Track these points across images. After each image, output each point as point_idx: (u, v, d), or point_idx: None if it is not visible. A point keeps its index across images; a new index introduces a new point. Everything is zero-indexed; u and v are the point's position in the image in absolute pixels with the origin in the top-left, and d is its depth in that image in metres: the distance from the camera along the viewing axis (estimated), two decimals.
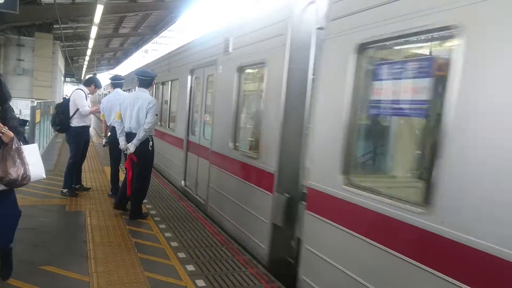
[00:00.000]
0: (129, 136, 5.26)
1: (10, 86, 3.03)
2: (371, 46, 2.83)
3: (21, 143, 2.98)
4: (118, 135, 5.44)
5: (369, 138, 3.23)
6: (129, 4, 16.14)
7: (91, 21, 15.14)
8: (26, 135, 3.27)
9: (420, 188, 2.44)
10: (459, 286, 2.08)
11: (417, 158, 2.83)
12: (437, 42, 2.52)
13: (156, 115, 5.22)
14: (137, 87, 5.54)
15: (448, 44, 2.33)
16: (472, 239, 2.02)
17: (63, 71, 24.48)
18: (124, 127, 5.32)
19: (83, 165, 6.80)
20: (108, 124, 6.65)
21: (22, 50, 16.39)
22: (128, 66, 35.50)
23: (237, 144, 5.02)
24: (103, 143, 7.10)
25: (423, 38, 2.48)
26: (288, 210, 3.88)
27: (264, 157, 4.28)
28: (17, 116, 3.22)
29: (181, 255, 4.26)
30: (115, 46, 30.61)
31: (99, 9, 12.58)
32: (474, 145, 2.06)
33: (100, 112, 6.82)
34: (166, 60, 9.51)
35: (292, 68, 3.90)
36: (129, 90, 12.09)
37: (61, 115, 6.31)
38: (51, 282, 3.46)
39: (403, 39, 2.58)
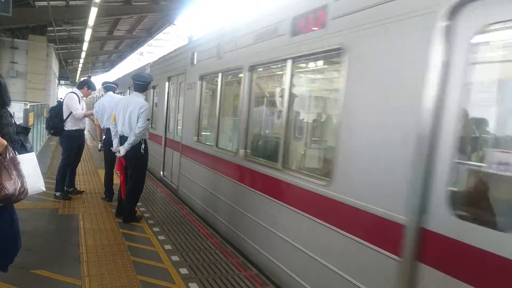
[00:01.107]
0: (122, 139, 5.27)
1: None
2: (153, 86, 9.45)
3: (16, 152, 2.61)
4: (112, 137, 5.47)
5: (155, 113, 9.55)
6: (123, 6, 16.13)
7: (85, 24, 15.09)
8: (28, 145, 2.85)
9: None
10: None
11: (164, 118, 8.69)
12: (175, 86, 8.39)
13: (148, 119, 5.24)
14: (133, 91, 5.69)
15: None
16: None
17: (57, 74, 24.38)
18: (117, 129, 5.32)
19: (77, 168, 6.76)
20: (102, 127, 6.64)
21: (15, 53, 16.31)
22: (123, 69, 35.40)
23: (153, 126, 9.88)
24: (99, 148, 7.07)
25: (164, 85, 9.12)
26: None
27: (158, 129, 9.39)
28: (19, 123, 2.95)
29: (175, 258, 4.25)
30: (109, 49, 30.54)
31: (93, 12, 12.55)
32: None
33: (93, 115, 6.80)
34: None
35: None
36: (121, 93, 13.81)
37: (55, 118, 6.27)
38: (43, 286, 3.44)
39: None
